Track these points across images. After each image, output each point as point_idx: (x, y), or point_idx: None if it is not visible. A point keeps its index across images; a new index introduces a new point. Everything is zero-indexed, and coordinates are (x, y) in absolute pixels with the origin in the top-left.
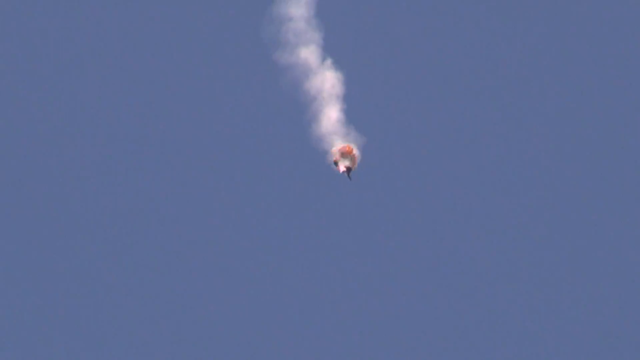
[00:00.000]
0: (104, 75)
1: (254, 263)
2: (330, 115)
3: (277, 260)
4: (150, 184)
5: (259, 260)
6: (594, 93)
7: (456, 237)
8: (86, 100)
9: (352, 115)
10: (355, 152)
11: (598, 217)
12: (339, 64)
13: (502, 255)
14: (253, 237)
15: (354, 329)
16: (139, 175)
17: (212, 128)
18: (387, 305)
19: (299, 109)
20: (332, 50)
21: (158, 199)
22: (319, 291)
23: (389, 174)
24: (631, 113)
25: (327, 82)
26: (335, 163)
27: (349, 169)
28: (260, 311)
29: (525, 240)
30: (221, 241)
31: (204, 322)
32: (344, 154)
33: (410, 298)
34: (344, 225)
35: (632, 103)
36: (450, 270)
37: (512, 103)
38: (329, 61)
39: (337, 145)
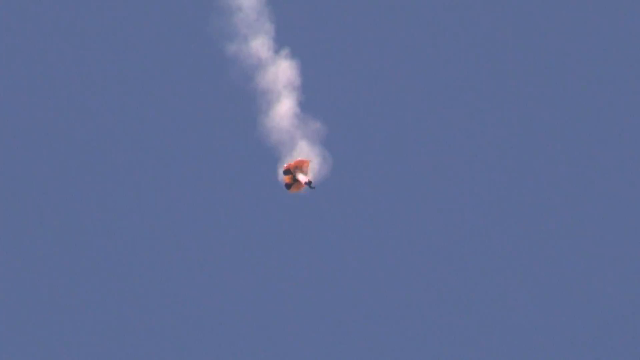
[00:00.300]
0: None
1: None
2: (284, 108)
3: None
4: (79, 179)
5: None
6: (592, 93)
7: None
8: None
9: (309, 106)
10: (307, 163)
11: (598, 217)
12: (294, 55)
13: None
14: (206, 236)
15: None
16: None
17: (162, 124)
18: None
19: (250, 102)
20: (285, 41)
21: (86, 192)
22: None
23: (349, 166)
24: (631, 113)
25: (281, 73)
26: (288, 182)
27: (309, 181)
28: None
29: (513, 239)
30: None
31: (195, 324)
32: (297, 168)
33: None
34: (297, 220)
35: (633, 103)
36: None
37: (475, 89)
38: (282, 52)
39: (288, 161)
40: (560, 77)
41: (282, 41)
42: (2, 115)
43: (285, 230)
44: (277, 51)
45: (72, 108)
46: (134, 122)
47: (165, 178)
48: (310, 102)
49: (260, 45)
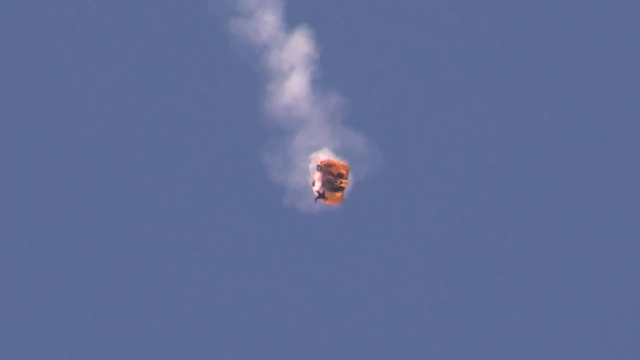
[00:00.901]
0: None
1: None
2: (295, 89)
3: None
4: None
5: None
6: (592, 93)
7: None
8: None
9: (323, 84)
10: (345, 167)
11: (598, 216)
12: (307, 32)
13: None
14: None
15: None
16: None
17: (165, 111)
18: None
19: (257, 82)
20: (293, 19)
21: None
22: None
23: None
24: (631, 113)
25: (293, 52)
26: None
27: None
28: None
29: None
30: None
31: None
32: (331, 168)
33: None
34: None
35: (633, 103)
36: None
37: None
38: (295, 29)
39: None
40: (560, 77)
41: (291, 20)
42: (2, 115)
43: (288, 224)
44: (285, 29)
45: (75, 96)
46: (135, 110)
47: (167, 170)
48: (328, 77)
49: (266, 22)
